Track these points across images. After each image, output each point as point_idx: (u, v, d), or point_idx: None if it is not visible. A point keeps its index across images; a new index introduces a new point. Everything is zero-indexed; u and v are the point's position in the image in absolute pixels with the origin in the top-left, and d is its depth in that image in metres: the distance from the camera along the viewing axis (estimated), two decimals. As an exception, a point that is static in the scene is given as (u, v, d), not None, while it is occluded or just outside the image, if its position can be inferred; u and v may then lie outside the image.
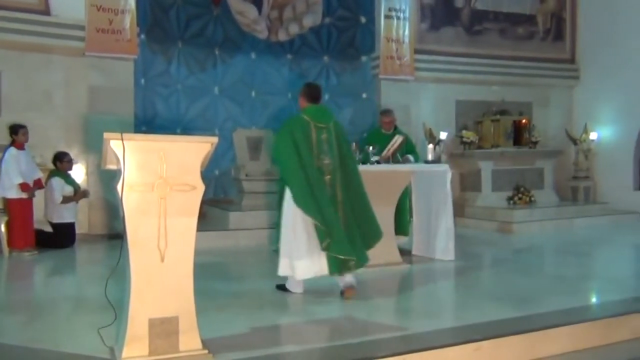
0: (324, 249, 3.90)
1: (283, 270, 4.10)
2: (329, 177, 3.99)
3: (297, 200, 3.89)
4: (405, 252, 5.70)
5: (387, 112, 6.45)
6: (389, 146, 5.71)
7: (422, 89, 9.65)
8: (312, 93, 4.09)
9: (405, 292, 4.61)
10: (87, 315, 3.64)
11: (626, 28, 9.80)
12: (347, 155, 4.14)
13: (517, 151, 9.41)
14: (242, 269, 5.53)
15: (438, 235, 5.61)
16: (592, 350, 3.27)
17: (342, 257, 3.89)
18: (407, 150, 5.97)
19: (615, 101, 10.10)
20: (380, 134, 6.27)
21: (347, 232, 3.95)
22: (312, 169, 3.91)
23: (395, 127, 6.38)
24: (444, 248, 5.56)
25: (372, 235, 4.13)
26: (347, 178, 4.07)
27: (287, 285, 4.26)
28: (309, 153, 3.92)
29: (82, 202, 7.11)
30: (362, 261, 3.99)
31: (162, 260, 2.70)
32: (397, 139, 5.74)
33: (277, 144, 3.97)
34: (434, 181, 5.63)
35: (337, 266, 3.94)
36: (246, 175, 8.08)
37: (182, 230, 2.74)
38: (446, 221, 5.52)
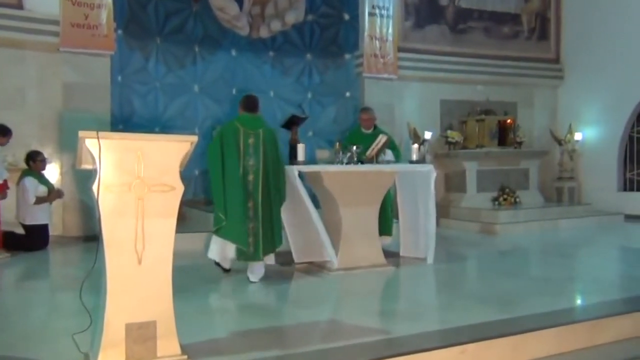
0: (214, 233, 4.78)
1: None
2: (252, 177, 4.80)
3: (212, 192, 4.77)
4: (390, 254, 5.71)
5: (366, 110, 6.49)
6: (373, 146, 5.73)
7: (406, 87, 9.69)
8: (247, 104, 4.97)
9: (389, 294, 4.62)
10: (61, 320, 3.60)
11: (611, 28, 9.96)
12: (274, 160, 4.84)
13: (502, 151, 9.48)
14: (221, 272, 5.46)
15: (421, 236, 5.65)
16: (577, 352, 3.30)
17: (230, 241, 4.72)
18: (389, 147, 6.05)
19: (599, 101, 10.25)
20: (360, 133, 6.32)
21: (255, 225, 4.72)
22: (234, 169, 4.72)
23: (375, 126, 6.41)
24: (425, 250, 5.58)
25: (273, 241, 4.82)
26: (269, 180, 4.78)
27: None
28: (235, 154, 4.71)
29: (56, 203, 7.02)
30: (255, 257, 4.73)
31: (140, 263, 2.68)
32: (381, 139, 5.75)
33: (209, 145, 4.81)
34: (418, 181, 5.65)
35: (240, 253, 4.73)
36: (226, 176, 8.04)
37: (161, 232, 2.72)
38: (429, 222, 5.55)
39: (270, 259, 4.92)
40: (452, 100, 10.08)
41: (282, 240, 4.90)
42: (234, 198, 4.65)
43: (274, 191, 4.78)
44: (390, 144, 6.02)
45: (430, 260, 5.53)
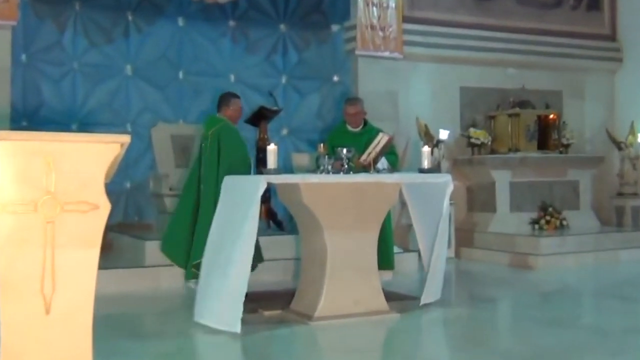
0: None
1: None
2: (202, 185, 5.78)
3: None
4: (393, 295, 5.75)
5: (352, 102, 6.62)
6: (370, 148, 5.82)
7: (415, 70, 9.76)
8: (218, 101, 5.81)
9: (390, 354, 4.62)
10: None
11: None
12: (228, 167, 5.55)
13: (543, 157, 9.59)
14: (164, 322, 5.48)
15: (430, 268, 5.67)
16: None
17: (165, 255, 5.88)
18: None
19: (671, 91, 10.38)
20: (346, 132, 6.44)
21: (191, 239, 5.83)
22: (194, 178, 6.01)
23: (366, 122, 6.51)
24: (429, 285, 5.61)
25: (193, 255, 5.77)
26: (207, 189, 5.65)
27: None
28: (197, 162, 5.76)
29: None
30: (187, 276, 5.82)
31: (48, 311, 2.67)
32: (382, 138, 5.84)
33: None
34: (430, 197, 5.70)
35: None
36: (170, 190, 8.06)
37: (78, 267, 2.72)
38: (437, 249, 5.59)
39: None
40: (476, 88, 10.14)
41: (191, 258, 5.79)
42: (178, 211, 5.97)
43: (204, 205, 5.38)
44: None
45: (427, 299, 5.55)
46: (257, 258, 5.60)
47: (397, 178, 5.58)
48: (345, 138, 6.17)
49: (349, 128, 6.44)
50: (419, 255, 5.97)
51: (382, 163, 5.94)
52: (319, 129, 9.39)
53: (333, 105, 9.63)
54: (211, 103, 9.05)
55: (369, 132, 6.29)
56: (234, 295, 4.72)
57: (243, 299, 4.69)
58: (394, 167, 6.07)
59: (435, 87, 9.93)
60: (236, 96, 6.27)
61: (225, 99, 6.16)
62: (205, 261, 5.12)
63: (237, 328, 4.64)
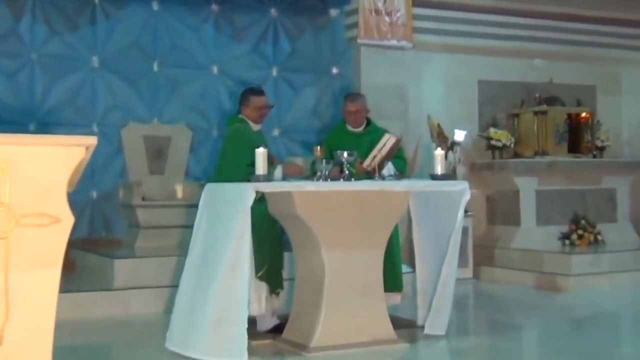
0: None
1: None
2: None
3: None
4: (401, 322, 5.74)
5: (353, 98, 6.63)
6: (375, 150, 5.84)
7: (426, 62, 9.77)
8: None
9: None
10: None
11: None
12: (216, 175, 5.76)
13: (575, 162, 9.59)
14: (134, 354, 5.44)
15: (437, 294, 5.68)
16: None
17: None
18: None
19: None
20: (346, 133, 6.46)
21: None
22: None
23: (369, 122, 6.54)
24: (433, 315, 5.60)
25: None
26: None
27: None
28: None
29: None
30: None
31: (0, 342, 2.66)
32: (388, 140, 5.86)
33: None
34: (441, 208, 5.72)
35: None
36: (143, 200, 8.10)
37: (35, 290, 2.71)
38: (446, 268, 5.60)
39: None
40: (497, 81, 10.14)
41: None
42: None
43: None
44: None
45: (431, 330, 5.56)
46: (277, 283, 5.74)
47: (406, 185, 5.58)
48: (345, 139, 6.18)
49: (349, 128, 6.46)
50: (417, 275, 5.93)
51: (389, 169, 5.95)
52: (315, 129, 9.41)
53: (331, 101, 9.63)
54: (190, 99, 9.32)
55: (373, 133, 6.31)
56: (233, 320, 4.74)
57: (246, 324, 4.75)
58: (402, 174, 6.06)
59: (449, 81, 9.92)
60: (256, 92, 6.23)
61: (243, 97, 6.16)
62: (185, 285, 5.12)
63: (244, 357, 4.67)
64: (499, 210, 9.64)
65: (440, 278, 5.59)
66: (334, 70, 9.81)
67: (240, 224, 4.81)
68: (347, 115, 6.48)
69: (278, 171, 5.51)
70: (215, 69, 9.51)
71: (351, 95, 6.80)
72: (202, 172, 9.15)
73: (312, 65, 9.77)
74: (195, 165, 9.30)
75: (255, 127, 6.09)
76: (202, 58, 9.45)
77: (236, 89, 9.08)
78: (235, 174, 5.53)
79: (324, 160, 5.37)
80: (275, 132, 9.55)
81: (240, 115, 6.11)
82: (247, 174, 5.21)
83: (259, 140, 5.74)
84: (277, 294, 5.71)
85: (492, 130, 9.72)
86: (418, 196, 5.82)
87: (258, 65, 9.67)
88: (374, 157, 5.80)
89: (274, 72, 9.70)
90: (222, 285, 4.78)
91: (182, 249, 7.40)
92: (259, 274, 5.59)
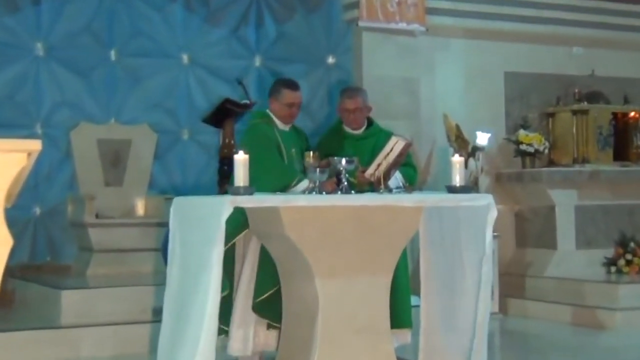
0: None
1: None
2: None
3: None
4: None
5: (351, 93, 6.61)
6: (379, 158, 5.81)
7: (442, 50, 9.78)
8: None
9: None
10: None
11: None
12: None
13: (621, 172, 9.59)
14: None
15: (460, 331, 5.65)
16: None
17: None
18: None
19: None
20: (343, 136, 6.47)
21: None
22: None
23: (371, 123, 6.55)
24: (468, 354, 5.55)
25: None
26: None
27: None
28: None
29: None
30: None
31: None
32: (395, 145, 5.82)
33: None
34: (463, 225, 5.69)
35: None
36: (97, 217, 8.12)
37: None
38: (479, 305, 5.53)
39: None
40: (528, 74, 10.13)
41: None
42: None
43: None
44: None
45: None
46: (278, 314, 5.63)
47: (418, 200, 5.53)
48: (343, 144, 6.21)
49: (347, 130, 6.45)
50: (421, 310, 5.88)
51: (396, 179, 5.94)
52: (308, 130, 8.92)
53: (326, 97, 9.64)
54: (155, 95, 9.32)
55: (375, 136, 6.33)
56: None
57: None
58: (412, 185, 6.03)
59: (470, 73, 9.90)
60: (291, 86, 6.17)
61: (274, 88, 6.18)
62: (167, 321, 5.17)
63: None
64: (531, 231, 9.63)
65: (476, 319, 5.53)
66: (330, 60, 9.82)
67: (215, 249, 4.75)
68: (344, 115, 6.48)
69: (302, 185, 5.54)
70: (185, 58, 9.52)
71: (349, 90, 6.80)
72: (168, 184, 9.18)
73: (303, 54, 9.77)
74: (161, 175, 9.31)
75: (283, 126, 6.10)
76: (169, 45, 9.47)
77: (211, 82, 9.35)
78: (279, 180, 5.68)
79: (317, 169, 5.32)
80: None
81: (266, 111, 6.16)
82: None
83: (287, 140, 5.87)
84: (277, 328, 5.63)
85: (521, 132, 9.72)
86: (431, 213, 5.78)
87: (237, 53, 9.65)
88: (379, 165, 5.76)
89: (257, 62, 9.69)
90: (198, 321, 4.75)
91: (144, 277, 7.61)
92: (258, 299, 5.60)
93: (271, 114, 6.07)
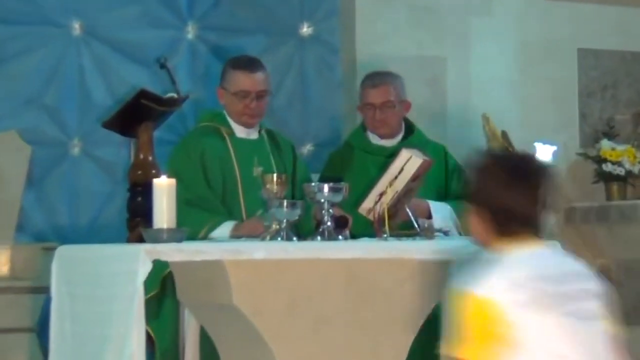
0: None
1: None
2: None
3: None
4: None
5: (376, 79, 6.51)
6: (382, 184, 5.56)
7: (480, 14, 9.31)
8: None
9: None
10: None
11: None
12: None
13: None
14: None
15: None
16: None
17: None
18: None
19: None
20: (367, 149, 6.34)
21: None
22: None
23: (411, 130, 6.41)
24: None
25: None
26: None
27: None
28: None
29: None
30: None
31: None
32: (408, 161, 5.64)
33: None
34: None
35: None
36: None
37: None
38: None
39: None
40: (614, 52, 9.70)
41: None
42: None
43: None
44: (437, 182, 6.15)
45: None
46: None
47: (439, 249, 5.28)
48: (366, 164, 6.05)
49: (374, 140, 6.27)
50: None
51: (442, 216, 5.79)
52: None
53: (298, 88, 8.99)
54: (29, 84, 8.58)
55: (409, 147, 6.17)
56: None
57: None
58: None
59: (524, 52, 9.40)
60: (243, 65, 6.03)
61: (222, 73, 6.05)
62: None
63: None
64: (626, 298, 8.94)
65: None
66: (304, 30, 9.02)
67: (129, 320, 4.65)
68: (366, 114, 6.31)
69: (222, 230, 5.39)
70: (76, 27, 8.61)
71: (374, 75, 6.58)
72: (48, 225, 8.36)
73: (262, 21, 9.13)
74: (37, 210, 8.48)
75: (243, 131, 5.87)
76: (55, 9, 8.62)
77: (116, 65, 8.74)
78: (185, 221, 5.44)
79: (284, 202, 5.10)
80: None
81: (223, 111, 6.15)
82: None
83: (247, 155, 5.59)
84: None
85: (605, 144, 9.12)
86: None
87: (159, 19, 8.92)
88: (381, 194, 5.56)
89: (189, 33, 8.86)
90: None
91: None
92: None
93: (224, 114, 6.02)
